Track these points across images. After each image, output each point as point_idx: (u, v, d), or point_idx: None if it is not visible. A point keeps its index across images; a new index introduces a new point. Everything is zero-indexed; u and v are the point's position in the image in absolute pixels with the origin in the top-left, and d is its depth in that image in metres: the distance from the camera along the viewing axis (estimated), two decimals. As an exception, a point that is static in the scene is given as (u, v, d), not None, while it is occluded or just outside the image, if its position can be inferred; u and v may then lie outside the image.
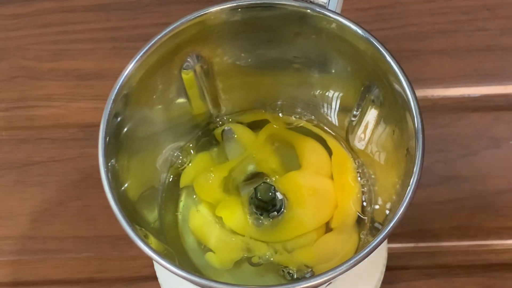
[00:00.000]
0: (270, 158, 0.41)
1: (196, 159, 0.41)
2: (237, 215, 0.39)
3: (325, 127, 0.42)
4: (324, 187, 0.40)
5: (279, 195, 0.40)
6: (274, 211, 0.39)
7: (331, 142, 0.41)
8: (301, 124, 0.42)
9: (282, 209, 0.40)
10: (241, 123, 0.42)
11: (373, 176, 0.40)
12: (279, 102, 0.42)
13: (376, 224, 0.38)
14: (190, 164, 0.41)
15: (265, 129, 0.42)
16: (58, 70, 0.51)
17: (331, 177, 0.40)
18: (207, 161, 0.41)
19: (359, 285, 0.42)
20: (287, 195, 0.40)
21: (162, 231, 0.39)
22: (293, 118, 0.42)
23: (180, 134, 0.41)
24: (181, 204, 0.41)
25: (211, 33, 0.37)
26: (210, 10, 0.35)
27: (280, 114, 0.42)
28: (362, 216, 0.39)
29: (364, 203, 0.40)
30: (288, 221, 0.39)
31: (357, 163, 0.40)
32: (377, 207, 0.39)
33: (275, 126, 0.42)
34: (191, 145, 0.42)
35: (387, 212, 0.37)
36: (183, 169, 0.41)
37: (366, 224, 0.39)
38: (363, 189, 0.40)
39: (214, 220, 0.40)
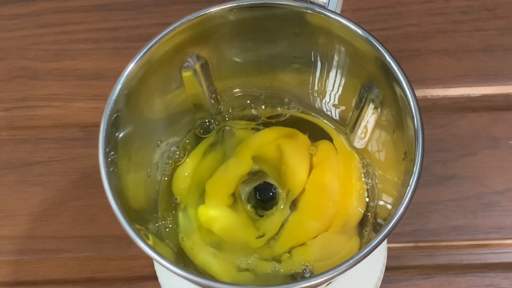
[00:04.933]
0: (274, 155, 0.41)
1: (190, 166, 0.41)
2: (240, 233, 0.39)
3: (327, 126, 0.42)
4: (331, 187, 0.40)
5: (278, 189, 0.40)
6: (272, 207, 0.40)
7: (337, 141, 0.41)
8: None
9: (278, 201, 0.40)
10: (241, 119, 0.42)
11: (376, 174, 0.40)
12: (278, 101, 0.42)
13: (379, 220, 0.38)
14: (186, 174, 0.41)
15: (271, 131, 0.41)
16: (59, 70, 0.51)
17: (338, 176, 0.40)
18: (208, 166, 0.41)
19: (359, 284, 0.43)
20: (292, 192, 0.40)
21: (162, 230, 0.39)
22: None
23: (180, 133, 0.41)
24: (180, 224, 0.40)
25: (211, 33, 0.37)
26: (210, 10, 0.35)
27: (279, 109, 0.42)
28: (365, 212, 0.39)
29: (367, 199, 0.40)
30: (293, 227, 0.39)
31: (363, 162, 0.40)
32: (381, 203, 0.39)
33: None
34: (190, 144, 0.42)
35: (389, 207, 0.37)
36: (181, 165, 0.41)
37: (369, 220, 0.39)
38: (367, 186, 0.40)
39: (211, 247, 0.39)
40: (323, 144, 0.41)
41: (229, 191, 0.39)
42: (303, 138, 0.41)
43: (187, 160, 0.41)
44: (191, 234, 0.39)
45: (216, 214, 0.39)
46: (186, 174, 0.40)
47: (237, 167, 0.40)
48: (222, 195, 0.39)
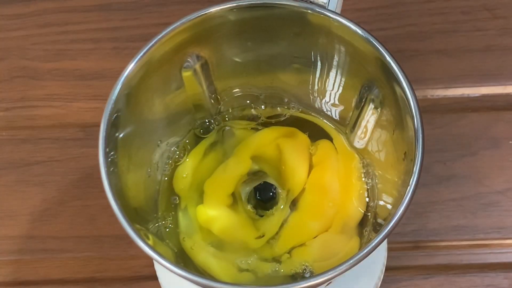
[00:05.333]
0: (274, 155, 0.41)
1: (190, 165, 0.41)
2: (240, 233, 0.39)
3: (327, 126, 0.42)
4: (331, 187, 0.40)
5: (278, 189, 0.40)
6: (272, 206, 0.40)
7: (337, 140, 0.41)
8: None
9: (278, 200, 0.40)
10: (241, 119, 0.42)
11: (376, 174, 0.40)
12: (278, 101, 0.42)
13: (379, 220, 0.38)
14: (185, 175, 0.41)
15: (271, 131, 0.41)
16: (59, 70, 0.51)
17: (338, 176, 0.40)
18: (208, 165, 0.41)
19: (359, 284, 0.43)
20: (291, 192, 0.40)
21: (162, 230, 0.39)
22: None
23: (180, 133, 0.41)
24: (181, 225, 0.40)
25: (211, 33, 0.37)
26: (210, 10, 0.35)
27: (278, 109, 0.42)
28: (365, 212, 0.39)
29: (367, 199, 0.40)
30: (293, 228, 0.39)
31: (363, 162, 0.40)
32: (381, 203, 0.39)
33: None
34: (190, 144, 0.42)
35: (389, 207, 0.37)
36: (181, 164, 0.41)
37: (369, 220, 0.39)
38: (367, 186, 0.40)
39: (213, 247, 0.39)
40: (323, 143, 0.41)
41: (228, 191, 0.39)
42: (303, 137, 0.41)
43: (187, 160, 0.41)
44: (192, 234, 0.39)
45: (215, 214, 0.39)
46: (186, 173, 0.40)
47: (236, 167, 0.40)
48: (221, 195, 0.39)
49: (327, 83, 0.40)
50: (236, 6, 0.36)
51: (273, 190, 0.40)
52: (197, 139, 0.42)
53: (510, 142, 0.48)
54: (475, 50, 0.50)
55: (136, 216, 0.36)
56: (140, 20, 0.52)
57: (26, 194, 0.48)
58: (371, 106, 0.38)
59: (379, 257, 0.44)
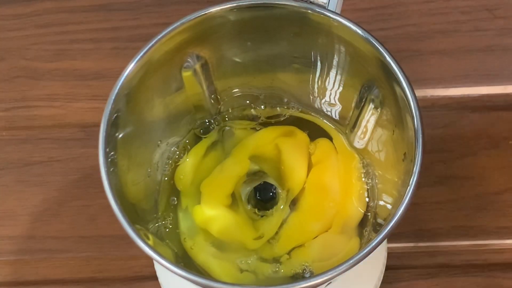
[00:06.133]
0: (273, 155, 0.41)
1: (191, 162, 0.41)
2: (240, 232, 0.39)
3: (327, 126, 0.42)
4: (331, 187, 0.40)
5: (278, 189, 0.40)
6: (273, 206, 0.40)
7: (337, 140, 0.41)
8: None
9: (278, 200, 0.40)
10: (241, 119, 0.42)
11: (376, 174, 0.40)
12: (277, 101, 0.42)
13: (379, 220, 0.38)
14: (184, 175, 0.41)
15: (269, 131, 0.41)
16: (59, 70, 0.51)
17: (338, 176, 0.40)
18: (208, 165, 0.41)
19: (359, 285, 0.43)
20: (291, 192, 0.40)
21: (162, 230, 0.39)
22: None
23: (180, 133, 0.41)
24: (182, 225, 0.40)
25: (211, 33, 0.37)
26: (210, 10, 0.36)
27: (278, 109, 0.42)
28: (365, 213, 0.39)
29: (367, 199, 0.40)
30: (293, 228, 0.39)
31: (363, 162, 0.40)
32: (381, 203, 0.39)
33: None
34: (190, 144, 0.42)
35: (389, 207, 0.37)
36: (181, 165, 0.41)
37: (369, 220, 0.39)
38: (367, 186, 0.40)
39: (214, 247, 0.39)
40: (322, 142, 0.41)
41: (226, 191, 0.39)
42: (302, 136, 0.41)
43: (188, 159, 0.41)
44: (193, 235, 0.39)
45: (211, 214, 0.39)
46: (187, 173, 0.40)
47: (233, 168, 0.40)
48: (219, 195, 0.39)
49: (327, 83, 0.40)
50: (236, 6, 0.36)
51: (273, 190, 0.40)
52: (197, 139, 0.42)
53: (510, 142, 0.48)
54: (475, 50, 0.50)
55: (136, 216, 0.36)
56: (140, 20, 0.52)
57: (26, 194, 0.48)
58: (371, 106, 0.38)
59: (379, 257, 0.44)
